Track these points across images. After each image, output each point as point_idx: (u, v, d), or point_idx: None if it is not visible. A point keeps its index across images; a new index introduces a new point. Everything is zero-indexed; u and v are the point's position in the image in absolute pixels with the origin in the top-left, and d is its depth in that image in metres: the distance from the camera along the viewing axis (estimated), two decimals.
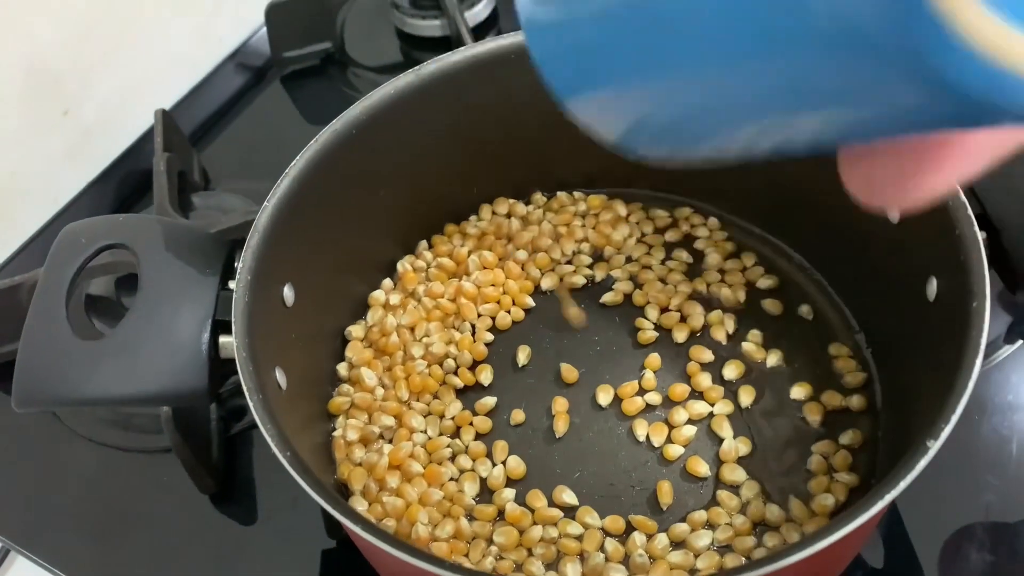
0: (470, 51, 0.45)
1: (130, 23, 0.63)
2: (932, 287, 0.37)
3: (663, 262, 0.50)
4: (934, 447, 0.29)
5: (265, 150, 0.65)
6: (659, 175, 0.52)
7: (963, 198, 0.35)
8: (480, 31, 0.68)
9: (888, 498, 0.28)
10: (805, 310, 0.47)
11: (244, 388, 0.33)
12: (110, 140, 0.64)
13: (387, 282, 0.49)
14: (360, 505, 0.41)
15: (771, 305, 0.47)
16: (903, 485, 0.28)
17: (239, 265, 0.37)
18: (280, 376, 0.38)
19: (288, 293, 0.40)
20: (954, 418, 0.30)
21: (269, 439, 0.32)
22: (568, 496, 0.41)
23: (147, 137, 0.64)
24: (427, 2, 0.68)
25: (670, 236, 0.51)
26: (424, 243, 0.51)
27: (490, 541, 0.40)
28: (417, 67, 0.44)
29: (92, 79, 0.62)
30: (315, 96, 0.70)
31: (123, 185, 0.64)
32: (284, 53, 0.70)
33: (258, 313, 0.36)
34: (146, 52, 0.65)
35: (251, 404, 0.33)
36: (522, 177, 0.52)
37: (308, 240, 0.42)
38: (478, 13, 0.69)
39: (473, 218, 0.52)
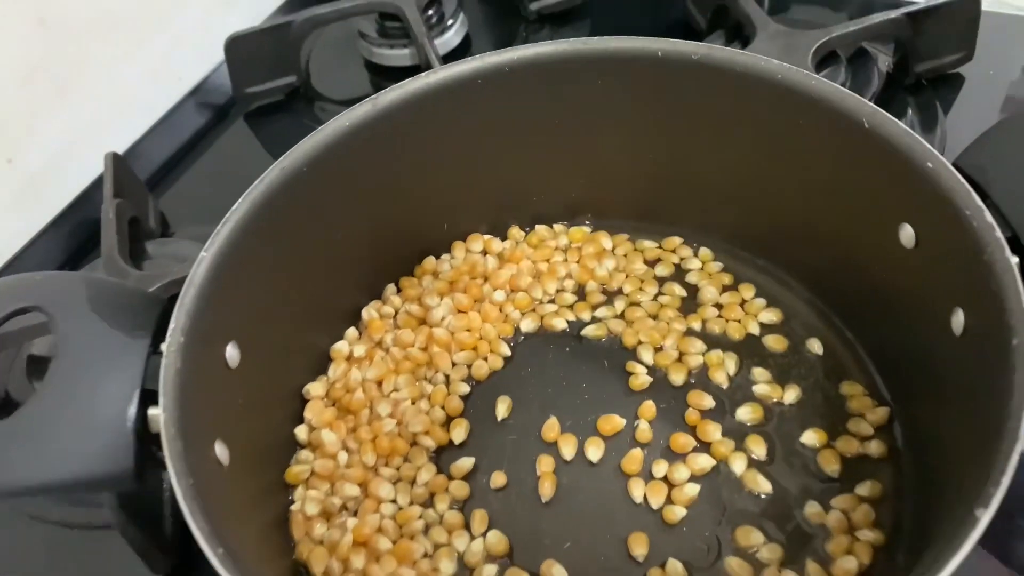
0: (433, 77, 0.41)
1: (77, 64, 0.59)
2: (959, 320, 0.33)
3: (654, 298, 0.46)
4: (984, 516, 0.24)
5: (228, 192, 0.60)
6: (646, 204, 0.47)
7: (990, 218, 0.31)
8: (451, 59, 0.64)
9: None
10: (813, 345, 0.42)
11: (170, 473, 0.28)
12: (58, 188, 0.60)
13: (351, 332, 0.45)
14: None
15: (775, 342, 0.43)
16: (953, 565, 0.24)
17: (171, 326, 0.32)
18: (222, 451, 0.33)
19: (232, 353, 0.35)
20: (1005, 480, 0.25)
21: (198, 534, 0.27)
22: (558, 572, 0.36)
23: (99, 184, 0.59)
24: (395, 31, 0.65)
25: (660, 270, 0.47)
26: (392, 287, 0.46)
27: None
28: (374, 96, 0.40)
29: (37, 124, 0.58)
30: (281, 133, 0.66)
31: (74, 235, 0.60)
32: (246, 89, 0.66)
33: (194, 380, 0.32)
34: (96, 94, 0.61)
35: (178, 492, 0.28)
36: (497, 211, 0.48)
37: (256, 292, 0.37)
38: (448, 40, 0.65)
39: (446, 257, 0.47)
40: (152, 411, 0.31)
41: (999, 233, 0.31)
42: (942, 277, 0.34)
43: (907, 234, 0.36)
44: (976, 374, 0.31)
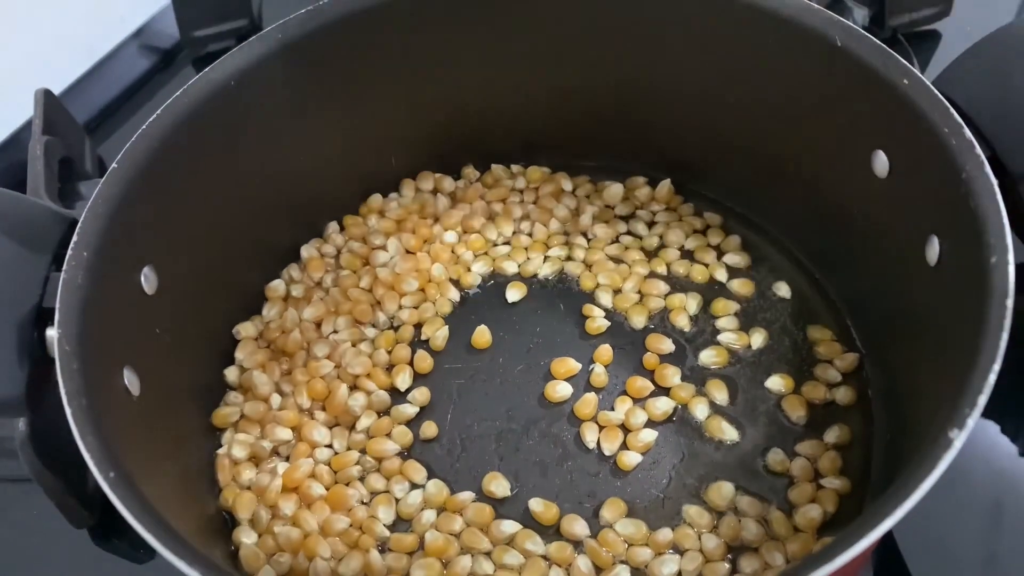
0: None
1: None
2: (934, 248, 0.31)
3: (615, 240, 0.43)
4: (959, 438, 0.22)
5: None
6: (610, 143, 0.45)
7: (969, 135, 0.29)
8: None
9: (906, 506, 0.21)
10: (780, 289, 0.40)
11: (62, 392, 0.25)
12: None
13: (289, 270, 0.42)
14: (248, 538, 0.33)
15: (740, 286, 0.41)
16: (924, 488, 0.21)
17: (74, 239, 0.29)
18: (131, 378, 0.30)
19: (148, 278, 0.32)
20: (982, 400, 0.23)
21: (87, 455, 0.24)
22: (504, 521, 0.34)
23: (29, 126, 0.56)
24: None
25: (623, 211, 0.44)
26: (334, 225, 0.43)
27: None
28: (317, 4, 0.37)
29: None
30: None
31: (1, 179, 0.56)
32: (194, 32, 0.62)
33: (99, 300, 0.29)
34: (28, 32, 0.57)
35: (68, 412, 0.25)
36: (450, 147, 0.45)
37: (177, 215, 0.34)
38: None
39: (393, 195, 0.44)
40: (50, 332, 0.28)
41: (979, 150, 0.29)
42: (917, 204, 0.32)
43: (881, 162, 0.34)
44: (951, 303, 0.29)
